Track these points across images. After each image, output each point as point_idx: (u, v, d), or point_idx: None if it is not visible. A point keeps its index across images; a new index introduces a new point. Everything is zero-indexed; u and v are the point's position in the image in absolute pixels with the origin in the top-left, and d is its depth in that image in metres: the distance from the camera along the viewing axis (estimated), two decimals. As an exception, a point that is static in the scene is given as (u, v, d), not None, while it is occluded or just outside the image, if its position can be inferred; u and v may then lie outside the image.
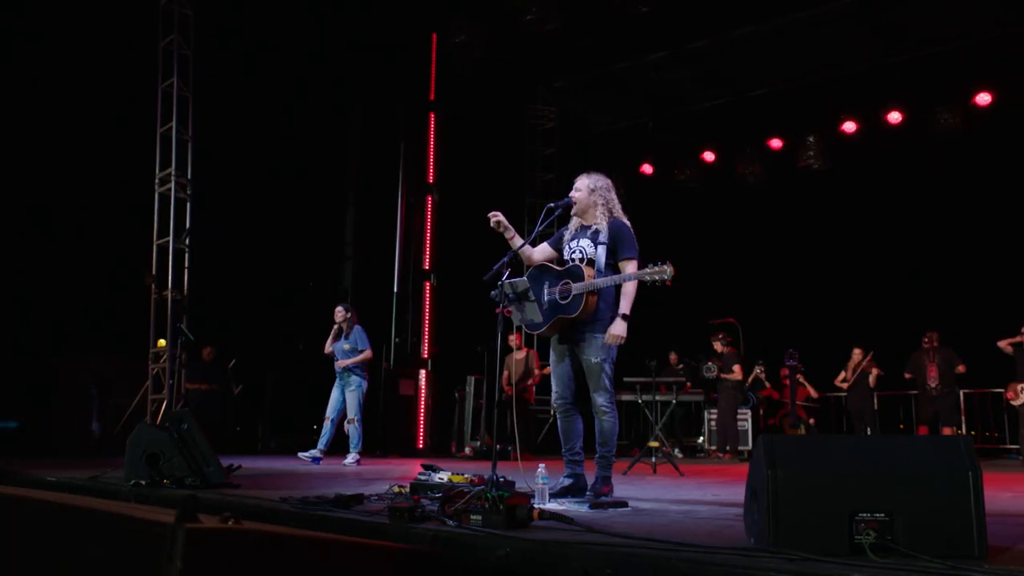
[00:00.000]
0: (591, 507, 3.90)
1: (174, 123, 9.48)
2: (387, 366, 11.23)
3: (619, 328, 4.35)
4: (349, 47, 11.04)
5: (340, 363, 7.88)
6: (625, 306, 4.36)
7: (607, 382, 4.48)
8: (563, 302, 4.37)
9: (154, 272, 9.29)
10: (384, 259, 11.47)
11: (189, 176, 9.61)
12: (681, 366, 11.43)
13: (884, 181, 11.59)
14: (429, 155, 11.41)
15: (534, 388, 11.19)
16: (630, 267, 4.38)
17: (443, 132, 11.73)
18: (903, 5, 10.43)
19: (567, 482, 4.58)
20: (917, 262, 11.36)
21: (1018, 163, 10.59)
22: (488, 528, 2.99)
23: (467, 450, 10.67)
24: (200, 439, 4.54)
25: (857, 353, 10.63)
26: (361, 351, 7.90)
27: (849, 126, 11.53)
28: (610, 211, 4.59)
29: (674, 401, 10.54)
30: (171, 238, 9.39)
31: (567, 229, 4.73)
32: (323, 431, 7.83)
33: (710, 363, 10.92)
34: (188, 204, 9.61)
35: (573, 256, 4.57)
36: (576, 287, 4.34)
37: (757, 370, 11.28)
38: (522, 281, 4.36)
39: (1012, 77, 10.45)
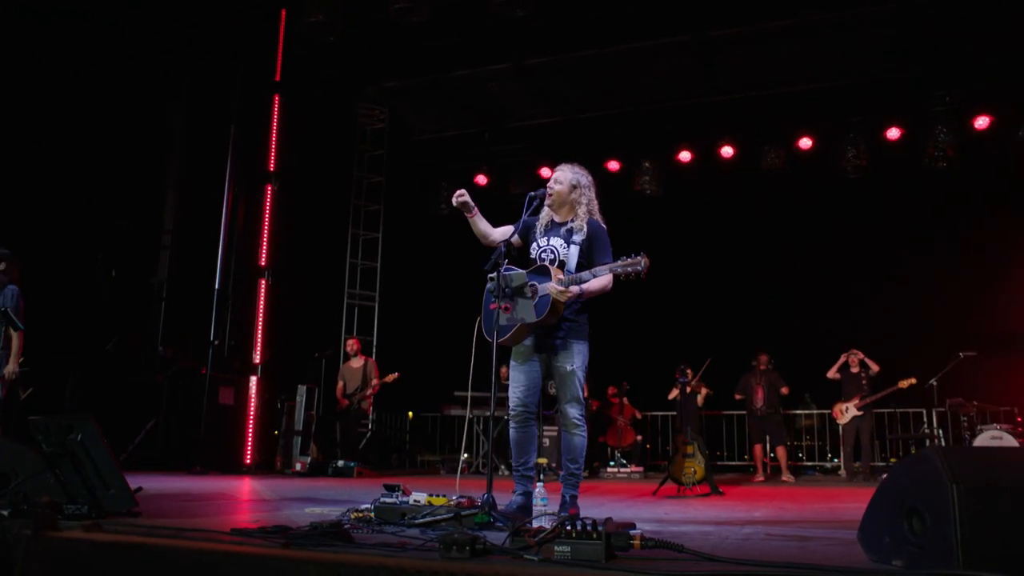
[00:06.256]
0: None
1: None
2: (204, 371, 9.94)
3: (572, 290, 3.90)
4: (184, 10, 9.69)
5: None
6: (588, 284, 3.96)
7: (580, 392, 4.18)
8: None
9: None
10: (208, 252, 10.15)
11: (-19, 135, 7.91)
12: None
13: (716, 210, 12.27)
14: (271, 141, 10.27)
15: (372, 399, 10.47)
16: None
17: (282, 118, 10.66)
18: (732, 48, 11.11)
19: (520, 500, 4.21)
20: (746, 288, 12.10)
21: (835, 203, 11.68)
22: (584, 560, 2.52)
23: (298, 466, 9.70)
24: (99, 454, 3.54)
25: (687, 373, 11.01)
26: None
27: (685, 155, 12.05)
28: (590, 212, 4.29)
29: (506, 417, 10.30)
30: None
31: (538, 220, 4.38)
32: None
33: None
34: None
35: (542, 256, 4.24)
36: (543, 288, 3.98)
37: None
38: (519, 275, 3.90)
39: (828, 127, 11.53)
